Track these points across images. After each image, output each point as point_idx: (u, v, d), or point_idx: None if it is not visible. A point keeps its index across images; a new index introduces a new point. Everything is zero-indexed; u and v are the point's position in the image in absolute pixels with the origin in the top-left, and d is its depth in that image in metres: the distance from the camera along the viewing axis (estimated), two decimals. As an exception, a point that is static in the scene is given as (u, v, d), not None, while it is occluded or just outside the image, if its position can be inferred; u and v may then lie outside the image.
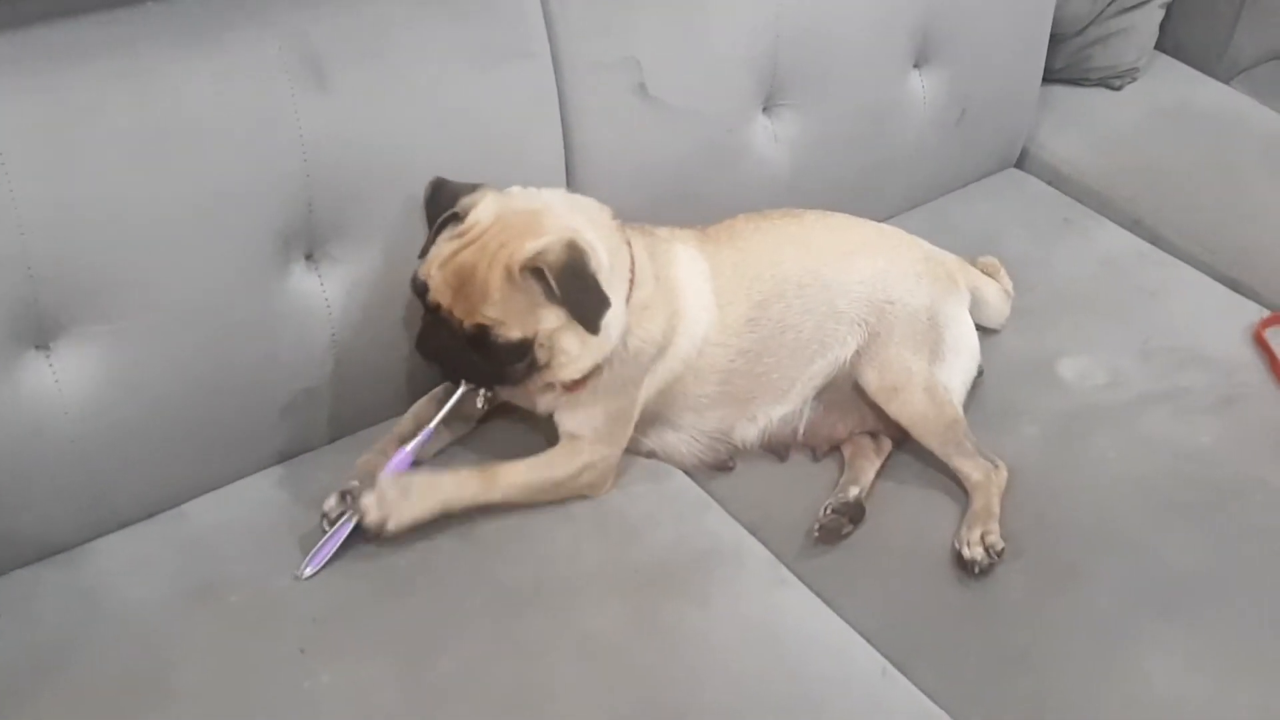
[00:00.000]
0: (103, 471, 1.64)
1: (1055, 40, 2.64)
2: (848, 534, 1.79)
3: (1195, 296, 2.29)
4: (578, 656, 1.58)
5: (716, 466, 1.91)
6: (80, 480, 1.63)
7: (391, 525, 1.65)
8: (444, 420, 1.76)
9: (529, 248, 1.62)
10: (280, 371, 1.76)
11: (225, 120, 1.62)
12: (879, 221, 2.17)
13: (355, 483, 1.67)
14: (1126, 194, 2.52)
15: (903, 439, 1.93)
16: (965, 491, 1.85)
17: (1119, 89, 2.79)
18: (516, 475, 1.74)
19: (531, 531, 1.72)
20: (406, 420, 1.81)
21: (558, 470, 1.76)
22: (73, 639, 1.55)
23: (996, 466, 1.86)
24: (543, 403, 1.79)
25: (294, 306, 1.73)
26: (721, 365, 1.86)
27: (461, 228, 1.64)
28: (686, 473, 1.90)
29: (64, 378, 1.58)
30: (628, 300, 1.74)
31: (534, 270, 1.62)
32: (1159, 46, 2.85)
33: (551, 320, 1.65)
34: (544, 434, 1.82)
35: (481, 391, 1.78)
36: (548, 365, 1.70)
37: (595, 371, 1.73)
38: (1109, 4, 2.69)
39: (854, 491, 1.83)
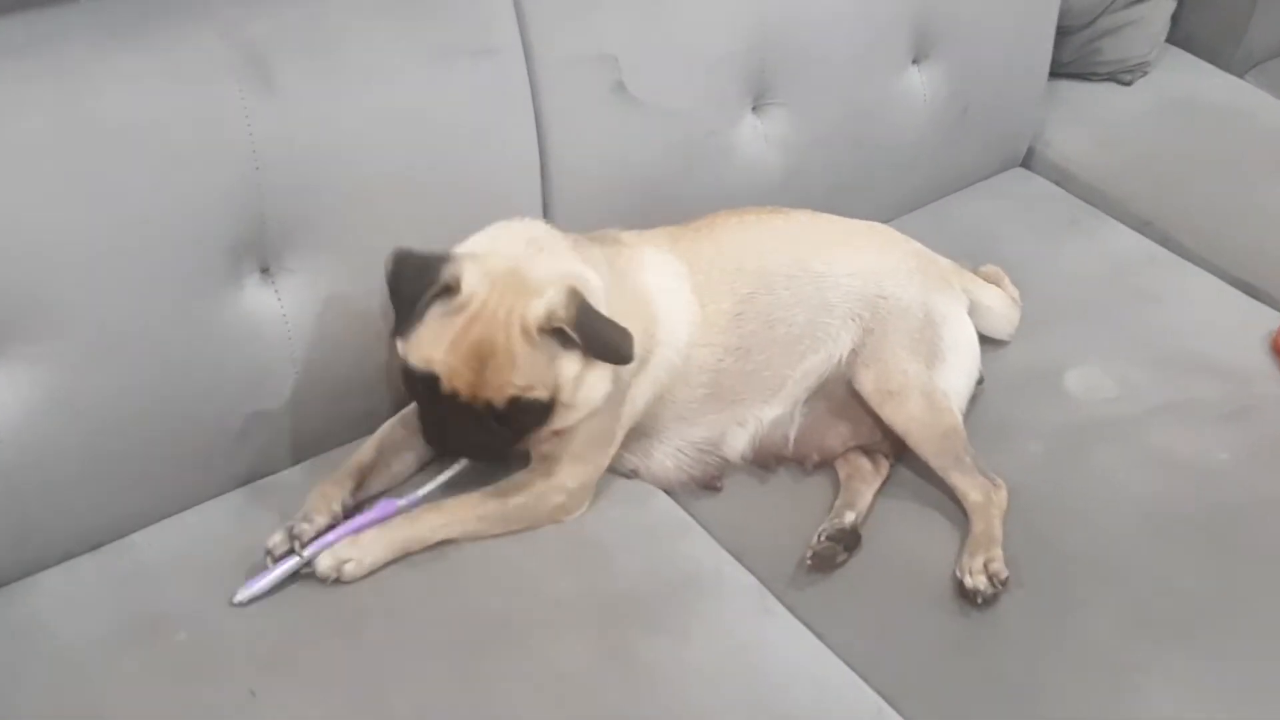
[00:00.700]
0: (37, 502, 1.54)
1: (1062, 33, 2.52)
2: (842, 562, 1.68)
3: (1208, 302, 2.18)
4: (545, 697, 1.47)
5: (704, 484, 1.81)
6: (12, 512, 1.53)
7: (348, 574, 1.57)
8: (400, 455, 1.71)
9: (538, 307, 1.53)
10: (235, 393, 1.66)
11: (164, 123, 1.50)
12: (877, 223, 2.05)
13: (305, 524, 1.58)
14: (1136, 194, 2.40)
15: (901, 452, 1.82)
16: (964, 512, 1.74)
17: (1129, 84, 2.67)
18: (484, 506, 1.65)
19: (496, 560, 1.62)
20: (369, 448, 1.71)
21: (529, 496, 1.66)
22: (1, 682, 1.44)
23: (996, 486, 1.75)
24: (533, 439, 1.69)
25: (249, 324, 1.63)
26: (709, 365, 1.76)
27: (458, 300, 1.52)
28: (669, 494, 1.79)
29: (-12, 403, 1.48)
30: None
31: (552, 330, 1.53)
32: (1171, 39, 2.73)
33: (572, 367, 1.56)
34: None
35: None
36: (566, 410, 1.61)
37: None
38: (1118, -6, 2.58)
39: (850, 517, 1.72)
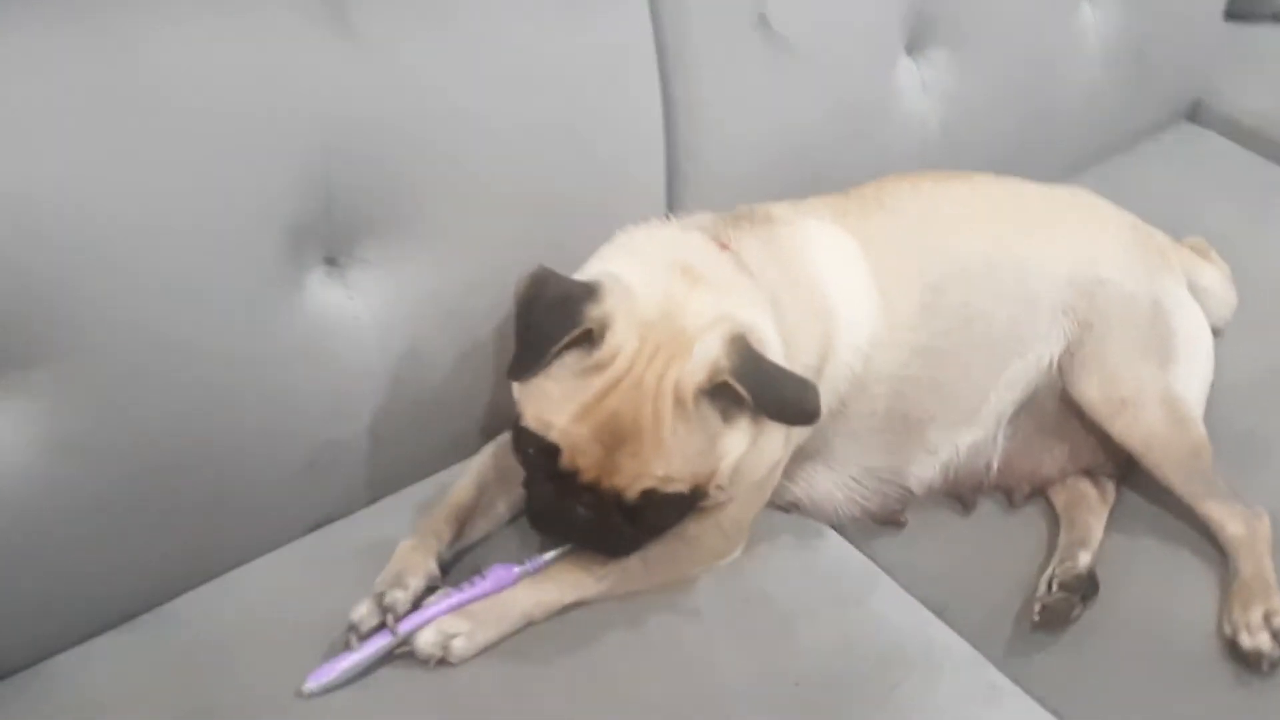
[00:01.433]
0: (55, 566, 1.19)
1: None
2: (1077, 617, 1.32)
3: None
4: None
5: (883, 519, 1.45)
6: (24, 579, 1.18)
7: (457, 652, 1.21)
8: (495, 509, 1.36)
9: (698, 366, 1.17)
10: (300, 415, 1.30)
11: (210, 78, 1.16)
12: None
13: (398, 591, 1.22)
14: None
15: (1126, 472, 1.46)
16: (1219, 547, 1.38)
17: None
18: (621, 570, 1.28)
19: (645, 630, 1.26)
20: (467, 485, 1.34)
21: (678, 541, 1.30)
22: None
23: (1258, 515, 1.38)
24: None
25: (313, 329, 1.27)
26: (892, 372, 1.39)
27: (599, 356, 1.18)
28: (838, 530, 1.42)
29: (-6, 441, 1.12)
30: None
31: (714, 390, 1.17)
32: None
33: (738, 443, 1.21)
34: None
35: None
36: (718, 495, 1.26)
37: None
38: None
39: (1084, 559, 1.36)
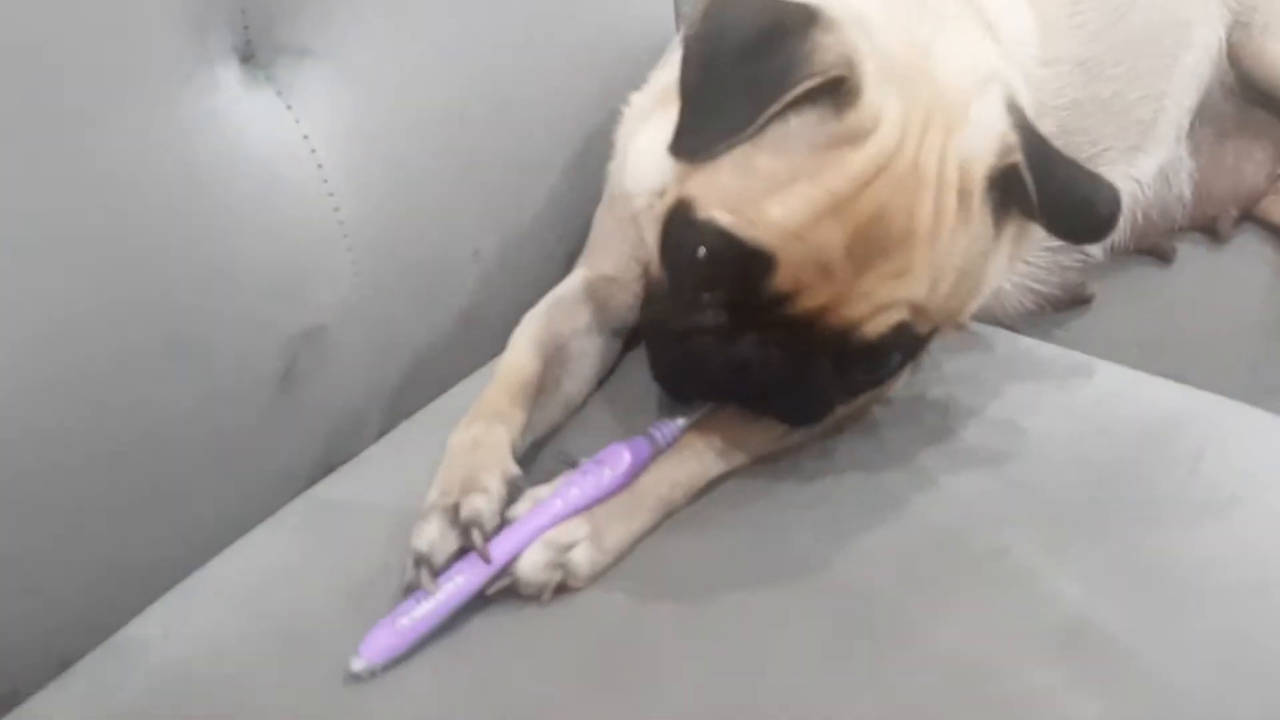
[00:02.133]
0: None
1: None
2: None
3: None
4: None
5: (1066, 302, 1.06)
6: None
7: (582, 569, 0.79)
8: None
9: (980, 137, 0.78)
10: (252, 294, 0.85)
11: None
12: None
13: (479, 499, 0.78)
14: None
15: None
16: None
17: None
18: (766, 427, 0.87)
19: (835, 499, 0.84)
20: (526, 357, 0.91)
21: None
22: None
23: None
24: None
25: (246, 161, 0.83)
26: (1052, 99, 1.01)
27: (855, 121, 0.76)
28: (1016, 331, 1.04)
29: None
30: None
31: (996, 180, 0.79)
32: None
33: (1002, 262, 0.84)
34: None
35: None
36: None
37: None
38: None
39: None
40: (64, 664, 0.78)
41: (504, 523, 0.79)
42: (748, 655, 0.75)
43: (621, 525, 0.81)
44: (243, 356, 0.85)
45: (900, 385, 0.93)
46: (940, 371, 0.96)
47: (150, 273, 0.79)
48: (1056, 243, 1.06)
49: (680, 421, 0.85)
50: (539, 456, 0.89)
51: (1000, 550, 0.79)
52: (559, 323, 0.95)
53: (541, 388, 0.90)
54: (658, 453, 0.84)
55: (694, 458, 0.84)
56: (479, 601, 0.77)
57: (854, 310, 0.76)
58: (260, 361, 0.86)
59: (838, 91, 0.75)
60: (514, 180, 1.00)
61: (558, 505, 0.80)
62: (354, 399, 0.94)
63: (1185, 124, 1.12)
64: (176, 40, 0.78)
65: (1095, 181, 0.82)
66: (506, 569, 0.78)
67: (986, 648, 0.73)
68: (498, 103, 0.96)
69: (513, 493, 0.81)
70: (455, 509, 0.78)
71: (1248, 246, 1.12)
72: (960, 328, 0.85)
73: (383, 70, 0.89)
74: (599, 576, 0.79)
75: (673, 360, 0.84)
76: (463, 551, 0.78)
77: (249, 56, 0.84)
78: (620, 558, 0.81)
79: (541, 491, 0.82)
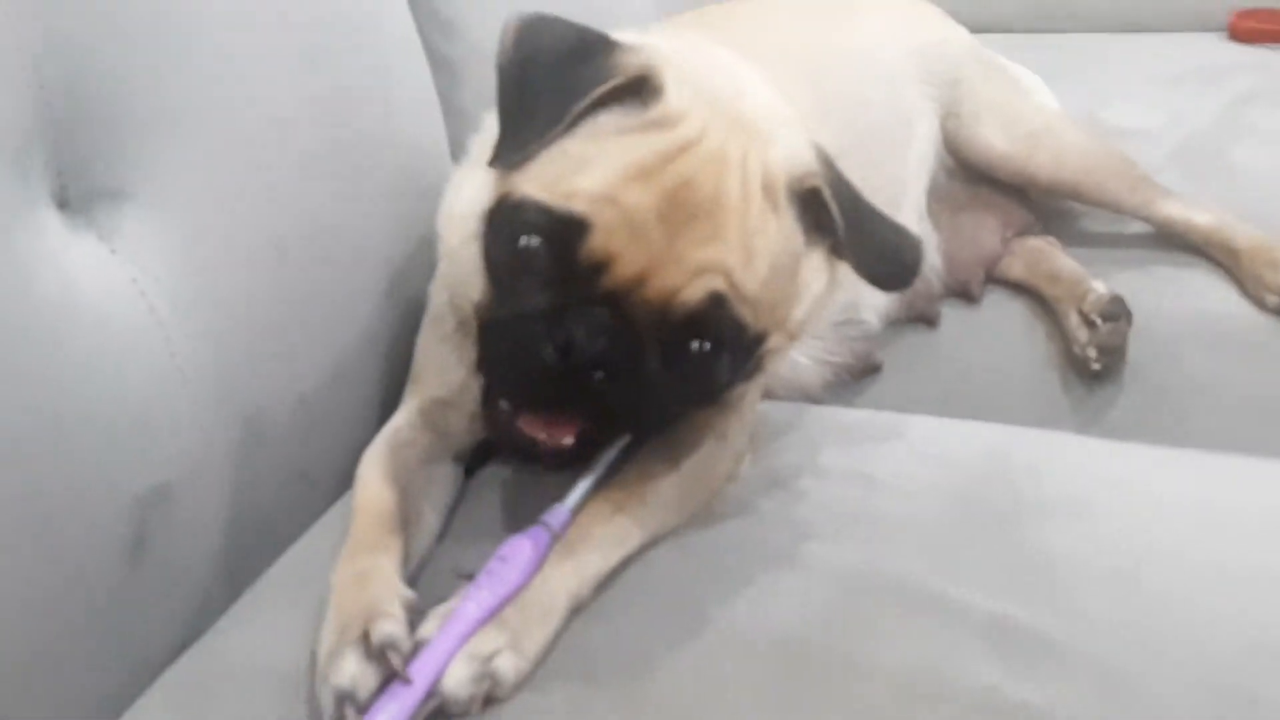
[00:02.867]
0: None
1: None
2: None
3: None
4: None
5: (858, 370, 1.16)
6: None
7: (507, 675, 0.75)
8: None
9: (787, 153, 0.84)
10: (99, 458, 0.78)
11: None
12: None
13: (386, 624, 0.74)
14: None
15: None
16: (1189, 246, 1.24)
17: None
18: (658, 490, 0.88)
19: (726, 570, 0.86)
20: (380, 489, 0.88)
21: (699, 460, 0.91)
22: None
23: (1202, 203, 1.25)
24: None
25: (62, 308, 0.77)
26: None
27: (658, 113, 0.82)
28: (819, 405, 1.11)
29: None
30: None
31: (802, 196, 0.84)
32: None
33: (817, 280, 0.88)
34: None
35: None
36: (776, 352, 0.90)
37: None
38: None
39: (1100, 287, 1.15)
40: None
41: (416, 645, 0.75)
42: (702, 720, 0.74)
43: (538, 629, 0.78)
44: (91, 526, 0.77)
45: (746, 464, 0.96)
46: (778, 444, 1.00)
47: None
48: (840, 317, 1.15)
49: (569, 501, 0.84)
50: (416, 586, 0.85)
51: (901, 578, 0.82)
52: (402, 455, 0.92)
53: (405, 519, 0.87)
54: (554, 539, 0.82)
55: (593, 550, 0.83)
56: (409, 731, 0.72)
57: (670, 277, 0.78)
58: (109, 529, 0.78)
59: (641, 91, 0.81)
60: (333, 315, 0.97)
61: (471, 609, 0.76)
62: (200, 567, 0.87)
63: (923, 204, 1.24)
64: (2, 183, 0.72)
65: (901, 232, 0.90)
66: (432, 691, 0.73)
67: (925, 661, 0.76)
68: (312, 235, 0.94)
69: (412, 618, 0.77)
70: (365, 638, 0.73)
71: (999, 303, 1.24)
72: (793, 337, 0.88)
73: (200, 208, 0.85)
74: (522, 684, 0.76)
75: (502, 355, 0.83)
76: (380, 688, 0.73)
77: (65, 203, 0.79)
78: (539, 662, 0.78)
79: (445, 609, 0.78)
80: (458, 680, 0.73)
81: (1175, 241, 1.23)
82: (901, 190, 1.20)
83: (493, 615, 0.77)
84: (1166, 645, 0.77)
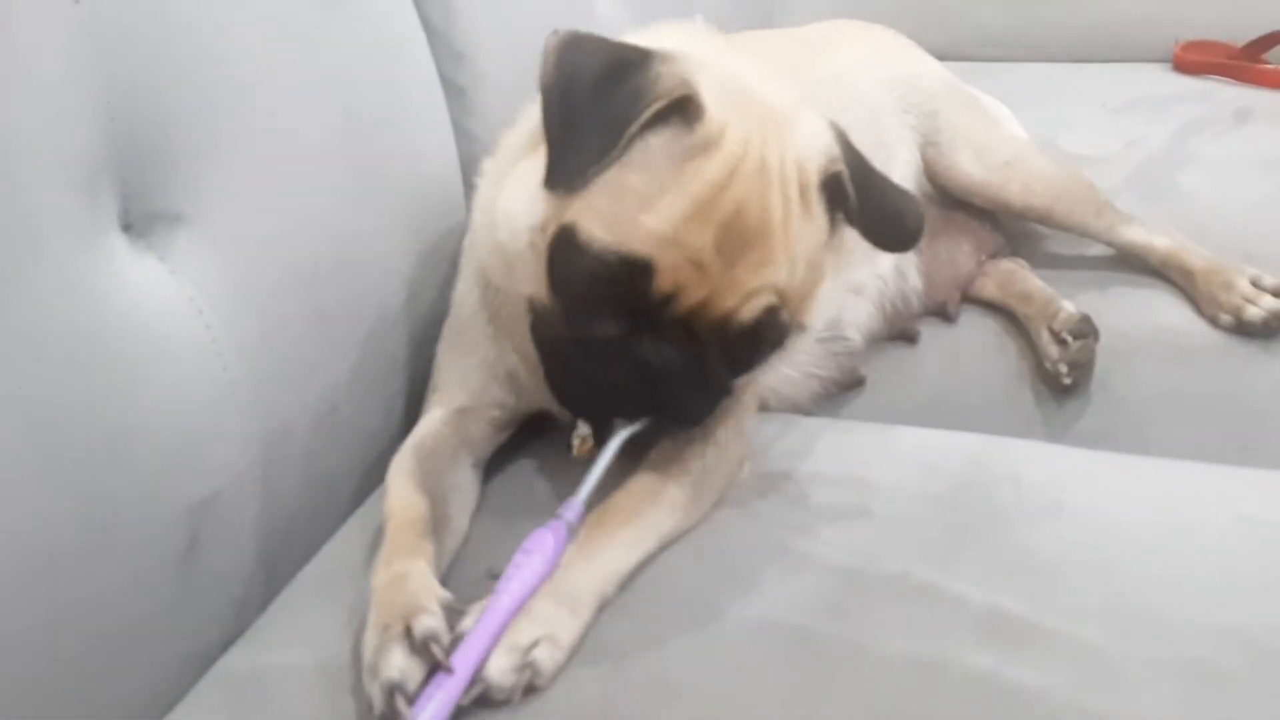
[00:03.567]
0: None
1: None
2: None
3: None
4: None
5: (844, 383, 1.24)
6: None
7: (547, 666, 0.81)
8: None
9: (810, 142, 0.91)
10: (153, 464, 0.83)
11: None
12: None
13: (426, 619, 0.80)
14: None
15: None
16: (1148, 268, 1.32)
17: None
18: (667, 491, 0.95)
19: (737, 569, 0.93)
20: (409, 494, 0.94)
21: (700, 467, 0.98)
22: None
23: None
24: None
25: (139, 328, 0.82)
26: None
27: (703, 133, 0.87)
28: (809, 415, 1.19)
29: None
30: None
31: (830, 180, 0.91)
32: None
33: (830, 265, 0.94)
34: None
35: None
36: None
37: None
38: None
39: (1069, 307, 1.22)
40: None
41: (456, 638, 0.81)
42: (726, 707, 0.80)
43: (570, 623, 0.84)
44: (150, 533, 0.82)
45: (745, 470, 1.03)
46: (773, 452, 1.07)
47: (59, 444, 0.76)
48: (825, 333, 1.22)
49: (581, 494, 0.90)
50: (448, 585, 0.91)
51: (900, 574, 0.90)
52: (428, 463, 0.98)
53: (434, 523, 0.93)
54: (572, 531, 0.88)
55: (615, 551, 0.90)
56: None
57: (729, 300, 0.86)
58: (166, 536, 0.84)
59: (684, 110, 0.86)
60: (358, 330, 1.03)
61: (505, 601, 0.83)
62: (242, 569, 0.92)
63: (905, 227, 1.32)
64: (73, 207, 0.78)
65: (904, 197, 0.98)
66: (476, 677, 0.79)
67: (926, 650, 0.83)
68: (340, 254, 1.00)
69: (449, 617, 0.83)
70: (408, 633, 0.79)
71: (974, 321, 1.32)
72: (802, 329, 0.94)
73: (244, 230, 0.91)
74: (559, 669, 0.83)
75: (576, 375, 0.90)
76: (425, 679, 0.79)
77: (129, 225, 0.84)
78: (573, 653, 0.84)
79: (480, 605, 0.84)
80: (500, 670, 0.79)
81: (1135, 264, 1.31)
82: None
83: (522, 604, 0.83)
84: (1139, 628, 0.85)
